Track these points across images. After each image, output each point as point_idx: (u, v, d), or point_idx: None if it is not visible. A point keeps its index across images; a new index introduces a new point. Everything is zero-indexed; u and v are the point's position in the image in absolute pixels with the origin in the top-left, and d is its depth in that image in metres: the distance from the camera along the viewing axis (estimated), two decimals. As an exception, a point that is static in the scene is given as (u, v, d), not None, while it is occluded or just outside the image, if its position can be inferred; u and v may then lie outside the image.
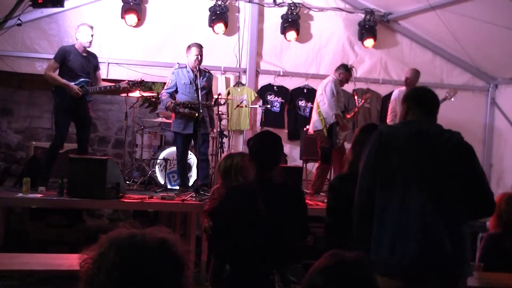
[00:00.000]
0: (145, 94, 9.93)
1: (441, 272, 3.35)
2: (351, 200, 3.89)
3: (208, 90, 8.41)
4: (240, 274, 3.92)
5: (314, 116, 8.85)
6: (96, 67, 8.45)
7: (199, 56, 8.07)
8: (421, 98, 3.76)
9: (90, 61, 8.28)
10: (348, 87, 9.00)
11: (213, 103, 8.37)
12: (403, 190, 3.43)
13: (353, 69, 9.17)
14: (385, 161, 3.50)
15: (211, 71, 8.63)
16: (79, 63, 8.11)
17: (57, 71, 8.03)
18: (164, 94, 8.25)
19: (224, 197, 4.21)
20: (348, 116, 8.74)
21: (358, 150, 4.37)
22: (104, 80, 8.70)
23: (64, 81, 7.95)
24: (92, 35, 8.17)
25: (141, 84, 8.67)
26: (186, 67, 8.18)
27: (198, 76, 7.95)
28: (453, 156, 3.45)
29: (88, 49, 8.25)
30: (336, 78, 8.74)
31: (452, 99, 9.17)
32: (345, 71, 8.79)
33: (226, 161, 5.02)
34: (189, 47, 8.19)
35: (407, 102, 3.79)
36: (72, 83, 7.96)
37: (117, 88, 8.48)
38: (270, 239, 3.85)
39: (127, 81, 8.58)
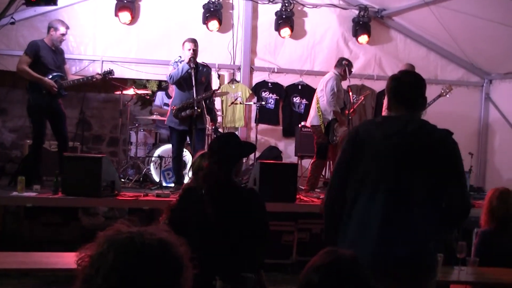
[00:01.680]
0: (140, 92, 9.92)
1: (400, 271, 3.31)
2: None
3: (206, 84, 8.39)
4: None
5: (313, 111, 8.84)
6: (64, 61, 8.44)
7: (191, 50, 8.02)
8: (403, 92, 3.56)
9: (59, 55, 8.27)
10: (343, 84, 8.98)
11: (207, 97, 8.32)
12: (372, 189, 3.39)
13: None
14: (357, 160, 3.47)
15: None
16: (50, 58, 8.07)
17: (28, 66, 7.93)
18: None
19: (179, 196, 4.16)
20: (347, 112, 8.74)
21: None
22: None
23: (38, 75, 7.88)
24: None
25: (111, 73, 8.60)
26: (183, 61, 8.13)
27: (193, 71, 7.88)
28: (429, 152, 3.35)
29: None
30: (338, 74, 8.74)
31: (448, 96, 9.19)
32: (344, 64, 8.79)
33: (198, 159, 4.82)
34: (183, 42, 8.17)
35: (388, 95, 3.64)
36: (45, 78, 7.90)
37: (90, 80, 8.46)
38: (218, 243, 3.75)
39: (97, 73, 8.60)
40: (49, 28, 8.11)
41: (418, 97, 3.56)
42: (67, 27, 8.23)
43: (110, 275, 1.67)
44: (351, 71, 8.94)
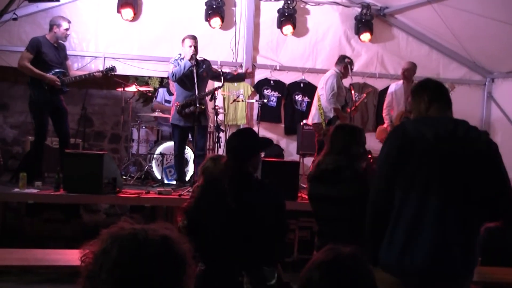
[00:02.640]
0: (142, 88, 9.91)
1: (450, 277, 3.30)
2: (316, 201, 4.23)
3: (211, 75, 8.38)
4: (209, 273, 3.80)
5: (314, 109, 8.87)
6: (66, 57, 8.41)
7: (192, 47, 8.00)
8: (441, 91, 3.59)
9: (61, 51, 8.24)
10: (345, 82, 8.98)
11: (209, 95, 8.28)
12: (422, 192, 3.29)
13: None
14: (406, 162, 3.33)
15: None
16: (52, 54, 8.05)
17: (29, 63, 7.91)
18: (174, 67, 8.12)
19: (198, 194, 4.14)
20: (349, 110, 8.73)
21: (326, 151, 4.49)
22: None
23: (39, 72, 7.86)
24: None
25: (113, 70, 8.56)
26: (184, 58, 8.10)
27: (194, 68, 7.87)
28: (478, 159, 3.29)
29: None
30: (338, 71, 8.76)
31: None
32: (347, 62, 8.83)
33: (208, 161, 4.75)
34: (183, 39, 8.14)
35: (427, 94, 3.56)
36: (46, 74, 7.88)
37: (92, 76, 8.43)
38: (241, 237, 3.77)
39: (99, 70, 8.55)
40: (51, 25, 8.09)
41: (449, 99, 3.60)
42: (69, 21, 8.22)
43: (114, 270, 1.67)
44: (352, 69, 8.93)
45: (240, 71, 8.59)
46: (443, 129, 3.34)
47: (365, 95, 9.55)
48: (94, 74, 8.40)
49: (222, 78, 8.28)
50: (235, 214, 3.75)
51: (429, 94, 3.56)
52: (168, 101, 9.83)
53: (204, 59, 8.35)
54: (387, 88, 9.86)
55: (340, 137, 4.44)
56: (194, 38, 8.09)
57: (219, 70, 8.42)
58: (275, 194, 4.03)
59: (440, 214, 3.26)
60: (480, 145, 3.33)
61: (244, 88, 10.07)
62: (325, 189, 4.34)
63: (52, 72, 7.95)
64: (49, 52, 8.00)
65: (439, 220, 3.26)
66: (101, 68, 8.77)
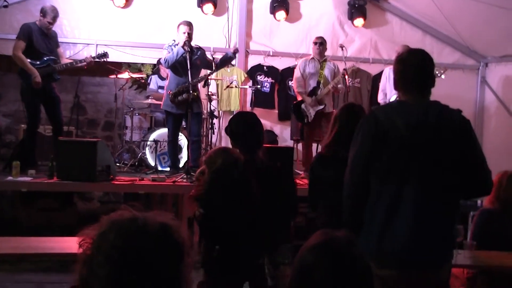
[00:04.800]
0: (134, 75, 9.87)
1: (428, 265, 3.31)
2: (329, 182, 4.09)
3: (206, 64, 8.31)
4: (229, 255, 3.90)
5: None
6: (57, 44, 8.32)
7: (186, 33, 7.95)
8: (414, 74, 3.43)
9: (51, 39, 8.17)
10: (340, 67, 8.95)
11: (202, 81, 8.24)
12: (398, 181, 3.28)
13: (344, 48, 9.14)
14: (381, 152, 3.32)
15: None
16: (42, 41, 7.97)
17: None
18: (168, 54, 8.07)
19: (212, 180, 4.07)
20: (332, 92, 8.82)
21: (338, 130, 4.39)
22: None
23: (31, 66, 7.76)
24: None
25: (106, 56, 8.45)
26: (178, 44, 8.05)
27: (188, 55, 7.83)
28: (451, 141, 3.29)
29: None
30: (311, 56, 9.02)
31: (442, 76, 9.15)
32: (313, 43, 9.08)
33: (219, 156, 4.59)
34: (178, 25, 8.09)
35: (396, 77, 3.52)
36: (36, 71, 7.75)
37: (83, 62, 8.30)
38: (260, 219, 3.85)
39: (90, 56, 8.41)
40: (40, 11, 8.02)
41: (427, 78, 3.45)
42: (56, 16, 8.03)
43: (110, 252, 1.66)
44: (318, 52, 8.93)
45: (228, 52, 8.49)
46: (415, 117, 3.31)
47: (340, 75, 9.31)
48: (86, 60, 8.30)
49: (213, 65, 8.22)
50: (254, 199, 3.84)
51: (397, 75, 3.52)
52: (162, 87, 9.79)
53: (200, 47, 8.30)
54: (381, 73, 9.85)
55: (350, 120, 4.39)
56: (189, 24, 8.02)
57: (212, 58, 8.35)
58: (287, 177, 4.28)
59: (416, 203, 3.27)
60: (453, 126, 3.31)
61: (237, 74, 10.04)
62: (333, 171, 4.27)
63: (43, 60, 7.89)
64: (39, 39, 7.92)
65: (415, 208, 3.27)
66: (93, 54, 8.70)
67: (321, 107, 8.69)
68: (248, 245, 3.85)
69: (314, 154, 8.76)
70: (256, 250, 3.89)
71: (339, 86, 8.74)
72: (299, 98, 8.91)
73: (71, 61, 8.36)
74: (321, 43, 8.90)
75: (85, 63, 8.26)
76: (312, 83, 8.83)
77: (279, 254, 3.95)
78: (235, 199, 3.87)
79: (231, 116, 5.07)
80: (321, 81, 8.82)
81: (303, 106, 8.77)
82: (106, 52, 8.49)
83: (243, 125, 4.19)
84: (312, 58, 8.94)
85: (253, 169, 3.93)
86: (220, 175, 4.02)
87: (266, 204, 3.87)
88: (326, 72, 8.87)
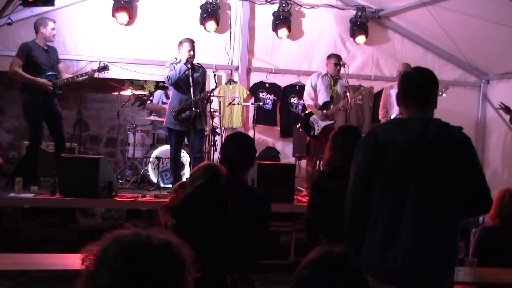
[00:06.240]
0: (137, 92, 9.91)
1: (430, 278, 3.32)
2: (333, 197, 4.01)
3: (202, 85, 8.37)
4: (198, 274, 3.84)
5: None
6: (58, 60, 8.40)
7: (191, 51, 8.02)
8: (416, 90, 3.47)
9: (52, 55, 8.23)
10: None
11: (205, 98, 8.30)
12: (398, 196, 3.31)
13: (345, 66, 9.17)
14: (381, 167, 3.35)
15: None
16: (43, 58, 8.04)
17: (20, 69, 7.91)
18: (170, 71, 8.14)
19: (190, 195, 4.06)
20: (344, 110, 8.78)
21: (336, 151, 4.49)
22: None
23: (32, 77, 7.85)
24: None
25: (106, 69, 8.52)
26: (180, 62, 8.11)
27: (191, 72, 7.89)
28: (451, 158, 3.31)
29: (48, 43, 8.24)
30: (325, 71, 9.02)
31: (444, 95, 9.17)
32: (329, 60, 9.06)
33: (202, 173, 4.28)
34: (180, 42, 8.16)
35: (401, 95, 3.54)
36: (39, 78, 7.88)
37: (84, 76, 8.34)
38: (233, 242, 3.81)
39: (92, 69, 8.48)
40: (37, 27, 8.08)
41: (429, 95, 3.48)
42: (54, 21, 8.22)
43: (114, 264, 1.67)
44: (337, 66, 8.94)
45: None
46: (415, 132, 3.33)
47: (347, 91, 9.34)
48: (87, 73, 8.33)
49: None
50: (230, 220, 3.80)
51: (403, 94, 3.54)
52: (165, 103, 9.83)
53: (201, 66, 8.37)
54: (382, 90, 9.86)
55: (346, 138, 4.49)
56: (192, 42, 8.11)
57: (208, 91, 8.42)
58: (266, 204, 4.09)
59: (416, 217, 3.28)
60: (452, 143, 3.33)
61: (239, 91, 10.07)
62: (339, 184, 4.28)
63: (44, 75, 7.93)
64: (40, 55, 7.99)
65: (416, 222, 3.28)
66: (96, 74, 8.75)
67: (331, 122, 8.74)
68: (216, 264, 3.81)
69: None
70: (223, 268, 3.83)
71: (340, 104, 8.79)
72: (308, 111, 8.99)
73: (73, 75, 8.40)
74: (342, 65, 8.90)
75: (86, 76, 8.30)
76: (323, 98, 8.87)
77: (247, 279, 3.88)
78: (210, 215, 3.84)
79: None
80: (334, 97, 8.88)
81: (311, 118, 8.80)
82: (107, 65, 8.54)
83: (231, 146, 4.20)
84: (326, 74, 8.98)
85: (232, 189, 3.92)
86: (202, 190, 4.00)
87: (240, 226, 3.82)
88: (338, 88, 8.93)
